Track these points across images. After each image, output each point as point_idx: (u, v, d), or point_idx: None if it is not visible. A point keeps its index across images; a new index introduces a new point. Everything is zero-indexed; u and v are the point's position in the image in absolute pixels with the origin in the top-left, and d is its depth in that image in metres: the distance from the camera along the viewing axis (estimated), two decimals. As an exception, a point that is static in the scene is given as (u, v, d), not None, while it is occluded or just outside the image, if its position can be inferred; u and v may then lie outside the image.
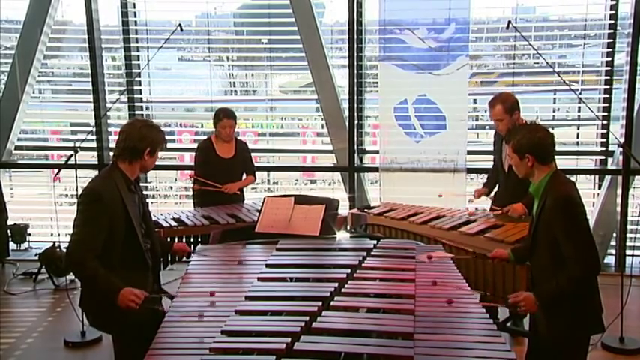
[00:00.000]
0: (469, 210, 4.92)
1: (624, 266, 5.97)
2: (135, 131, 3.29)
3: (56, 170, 5.49)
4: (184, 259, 4.47)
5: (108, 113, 6.71)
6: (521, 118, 4.64)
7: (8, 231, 6.68)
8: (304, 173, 7.52)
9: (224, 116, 5.41)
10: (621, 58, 6.22)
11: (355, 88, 6.47)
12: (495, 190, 5.03)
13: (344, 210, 5.50)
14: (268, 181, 7.35)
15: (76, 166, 4.86)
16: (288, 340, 2.62)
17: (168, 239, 4.62)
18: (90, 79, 6.74)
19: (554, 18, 6.75)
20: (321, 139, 7.12)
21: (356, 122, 6.56)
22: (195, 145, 7.40)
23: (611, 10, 6.10)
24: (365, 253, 3.85)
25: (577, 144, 6.65)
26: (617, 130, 6.18)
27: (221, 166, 5.42)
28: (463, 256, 4.00)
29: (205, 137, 5.68)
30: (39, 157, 7.45)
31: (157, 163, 3.48)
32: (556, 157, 3.22)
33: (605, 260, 6.27)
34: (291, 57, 6.96)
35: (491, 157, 5.14)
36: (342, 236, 4.47)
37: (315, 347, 2.59)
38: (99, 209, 3.11)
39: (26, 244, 6.88)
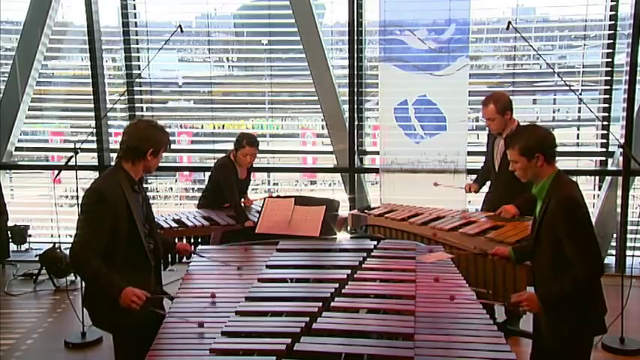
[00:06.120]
0: (463, 212, 4.92)
1: (625, 267, 5.98)
2: (138, 131, 3.29)
3: (56, 171, 5.48)
4: (185, 259, 4.49)
5: (108, 114, 6.71)
6: (514, 119, 4.67)
7: (8, 232, 6.68)
8: (304, 174, 7.52)
9: (247, 144, 5.18)
10: (621, 59, 6.22)
11: (355, 89, 6.47)
12: (486, 189, 5.07)
13: (344, 211, 5.51)
14: (269, 182, 7.36)
15: (77, 167, 4.86)
16: (289, 341, 2.62)
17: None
18: (90, 80, 6.75)
19: (555, 19, 6.75)
20: (322, 140, 7.12)
21: (356, 123, 6.56)
22: (194, 147, 7.50)
23: (611, 10, 6.10)
24: (365, 254, 3.85)
25: (577, 145, 6.66)
26: (617, 131, 6.18)
27: (237, 187, 5.31)
28: (463, 251, 3.98)
29: (224, 155, 5.44)
30: (39, 159, 7.46)
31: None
32: (556, 158, 3.22)
33: (606, 261, 6.26)
34: (291, 58, 6.96)
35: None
36: (343, 237, 4.47)
37: (315, 348, 2.59)
38: (103, 209, 3.10)
39: (26, 245, 6.88)
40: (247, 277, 3.53)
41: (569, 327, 3.04)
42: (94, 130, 6.61)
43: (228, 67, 7.44)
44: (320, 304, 3.02)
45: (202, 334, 2.77)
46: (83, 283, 3.52)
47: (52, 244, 6.06)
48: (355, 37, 6.39)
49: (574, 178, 3.25)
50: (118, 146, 3.40)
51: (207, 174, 5.87)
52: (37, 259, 6.07)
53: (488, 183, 5.05)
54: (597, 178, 6.55)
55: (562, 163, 3.21)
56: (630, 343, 4.57)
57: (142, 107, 7.01)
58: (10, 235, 6.70)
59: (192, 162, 7.34)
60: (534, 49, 5.85)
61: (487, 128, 4.88)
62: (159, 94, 7.19)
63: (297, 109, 7.23)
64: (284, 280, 3.49)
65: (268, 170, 7.19)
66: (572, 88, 6.08)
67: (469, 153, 6.19)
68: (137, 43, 6.85)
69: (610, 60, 6.18)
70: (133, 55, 6.81)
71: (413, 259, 3.76)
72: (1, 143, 6.95)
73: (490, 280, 4.08)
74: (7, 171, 7.24)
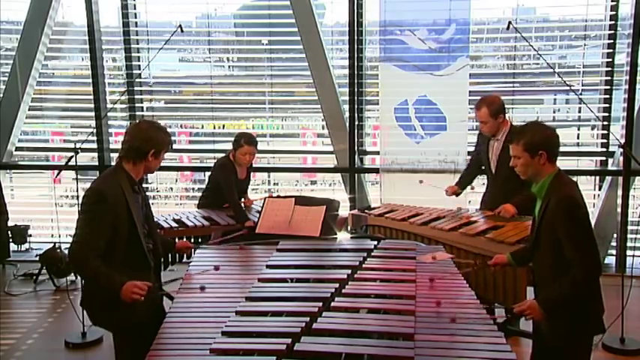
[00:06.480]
0: (463, 212, 4.92)
1: (625, 267, 5.97)
2: (141, 132, 3.29)
3: (56, 171, 5.49)
4: (185, 259, 4.49)
5: (108, 114, 6.71)
6: (506, 120, 4.69)
7: (9, 232, 6.68)
8: (305, 174, 7.52)
9: (246, 143, 5.16)
10: (622, 59, 6.22)
11: (355, 89, 6.47)
12: (483, 189, 5.08)
13: (344, 211, 5.50)
14: (269, 182, 7.36)
15: (77, 167, 4.86)
16: (289, 341, 2.62)
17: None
18: (90, 80, 6.75)
19: (555, 19, 6.75)
20: (322, 140, 7.12)
21: (356, 123, 6.56)
22: (193, 147, 7.49)
23: (611, 10, 6.10)
24: (365, 254, 3.85)
25: (577, 145, 6.66)
26: (617, 131, 6.18)
27: (237, 187, 5.29)
28: (464, 265, 3.96)
29: (223, 155, 5.41)
30: (39, 159, 7.46)
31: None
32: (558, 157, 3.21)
33: (606, 261, 6.27)
34: (291, 58, 6.96)
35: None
36: (343, 237, 4.47)
37: (315, 348, 2.59)
38: (102, 209, 3.10)
39: (27, 245, 6.88)
40: (247, 277, 3.53)
41: (569, 327, 3.04)
42: (94, 130, 6.61)
43: (229, 67, 7.44)
44: (320, 304, 3.02)
45: (202, 334, 2.77)
46: (83, 282, 3.52)
47: (52, 244, 6.06)
48: (355, 37, 6.38)
49: (574, 178, 3.24)
50: (118, 146, 3.40)
51: (207, 174, 5.87)
52: (37, 259, 6.07)
53: (485, 184, 5.06)
54: (597, 178, 6.55)
55: (562, 163, 3.19)
56: (630, 343, 4.57)
57: (142, 107, 7.01)
58: (10, 235, 6.69)
59: (192, 162, 7.35)
60: (535, 49, 5.85)
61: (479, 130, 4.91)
62: (159, 94, 7.19)
63: (297, 109, 7.23)
64: (284, 280, 3.49)
65: (268, 170, 7.19)
66: (572, 88, 6.08)
67: (469, 153, 6.17)
68: (137, 43, 6.85)
69: (610, 60, 6.18)
70: (133, 55, 6.81)
71: (413, 259, 3.76)
72: (1, 143, 6.95)
73: (490, 281, 4.08)
74: (7, 171, 7.23)
